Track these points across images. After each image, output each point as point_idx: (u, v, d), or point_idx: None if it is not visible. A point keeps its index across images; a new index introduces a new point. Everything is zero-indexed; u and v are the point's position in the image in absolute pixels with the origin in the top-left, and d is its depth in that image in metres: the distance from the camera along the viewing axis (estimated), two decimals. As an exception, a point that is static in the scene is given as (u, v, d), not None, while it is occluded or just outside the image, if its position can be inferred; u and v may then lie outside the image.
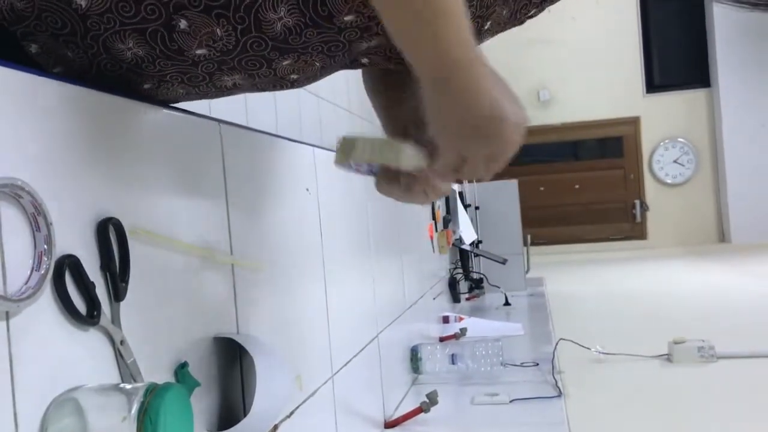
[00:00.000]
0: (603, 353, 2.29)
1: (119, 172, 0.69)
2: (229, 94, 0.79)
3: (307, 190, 1.26)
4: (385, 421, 1.67)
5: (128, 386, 0.58)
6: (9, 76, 0.55)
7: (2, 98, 0.54)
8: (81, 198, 0.63)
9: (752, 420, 1.70)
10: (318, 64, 0.69)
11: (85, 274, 0.61)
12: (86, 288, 0.61)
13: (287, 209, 1.17)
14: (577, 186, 7.15)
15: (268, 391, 0.84)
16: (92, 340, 0.63)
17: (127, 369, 0.66)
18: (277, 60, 0.69)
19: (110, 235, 0.65)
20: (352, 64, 0.76)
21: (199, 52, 0.65)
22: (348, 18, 0.64)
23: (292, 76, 0.71)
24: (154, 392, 0.56)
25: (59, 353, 0.58)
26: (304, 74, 0.71)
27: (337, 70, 0.76)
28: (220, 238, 0.91)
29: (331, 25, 0.64)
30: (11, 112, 0.55)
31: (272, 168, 1.11)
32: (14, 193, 0.53)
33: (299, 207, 1.23)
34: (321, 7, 0.62)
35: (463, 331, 2.50)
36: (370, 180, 0.82)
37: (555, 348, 2.24)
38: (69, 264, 0.59)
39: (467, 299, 3.49)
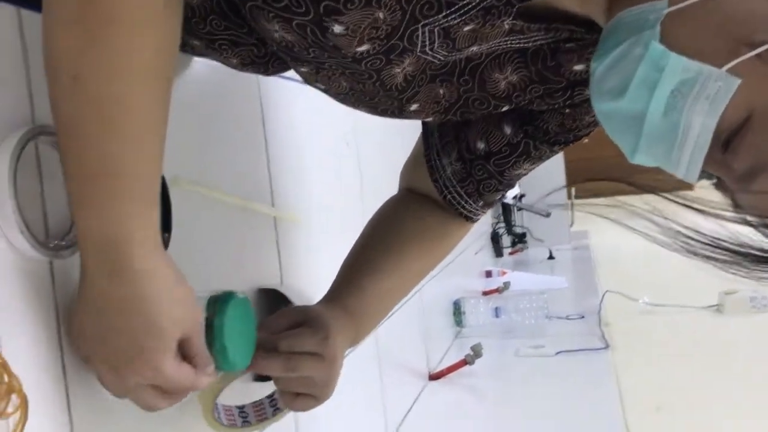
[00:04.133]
0: (650, 305, 2.25)
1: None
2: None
3: (347, 143, 1.25)
4: (429, 373, 1.68)
5: None
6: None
7: (38, 44, 0.53)
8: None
9: (807, 371, 1.66)
10: (345, 83, 0.63)
11: None
12: None
13: (327, 162, 1.15)
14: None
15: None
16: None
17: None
18: (292, 63, 0.64)
19: None
20: (401, 112, 0.68)
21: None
22: (362, 48, 0.55)
23: (318, 85, 0.66)
24: (216, 304, 0.58)
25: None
26: (331, 87, 0.65)
27: (381, 104, 0.67)
28: (261, 191, 0.90)
29: (342, 57, 0.56)
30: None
31: (312, 121, 1.09)
32: (53, 141, 0.53)
33: (339, 160, 1.22)
34: (322, 36, 0.53)
35: (507, 285, 2.48)
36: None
37: (601, 300, 2.21)
38: None
39: (510, 254, 3.46)
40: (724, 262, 0.52)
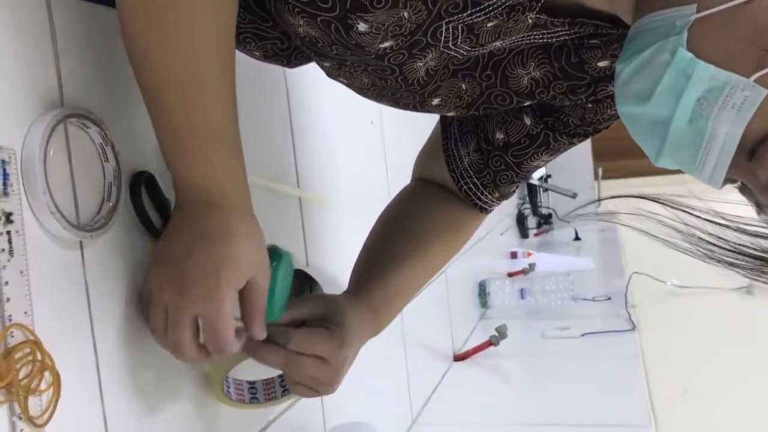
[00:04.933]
0: (678, 286, 2.22)
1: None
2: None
3: (372, 122, 1.25)
4: (454, 354, 1.68)
5: None
6: (73, 6, 0.55)
7: (67, 27, 0.53)
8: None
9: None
10: (366, 80, 0.63)
11: (160, 189, 0.62)
12: (161, 204, 0.62)
13: (352, 143, 1.15)
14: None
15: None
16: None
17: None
18: (316, 58, 0.64)
19: None
20: (423, 106, 0.68)
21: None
22: (385, 44, 0.55)
23: (341, 79, 0.66)
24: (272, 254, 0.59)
25: (135, 271, 0.59)
26: (353, 82, 0.65)
27: (403, 98, 0.67)
28: (287, 171, 0.90)
29: (365, 54, 0.57)
30: (78, 41, 0.55)
31: (336, 101, 1.09)
32: (81, 123, 0.54)
33: (364, 140, 1.21)
34: (345, 35, 0.54)
35: (532, 266, 2.47)
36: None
37: (628, 282, 2.19)
38: (144, 180, 0.60)
39: (536, 235, 3.44)
40: (748, 268, 0.52)
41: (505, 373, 1.65)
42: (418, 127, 1.51)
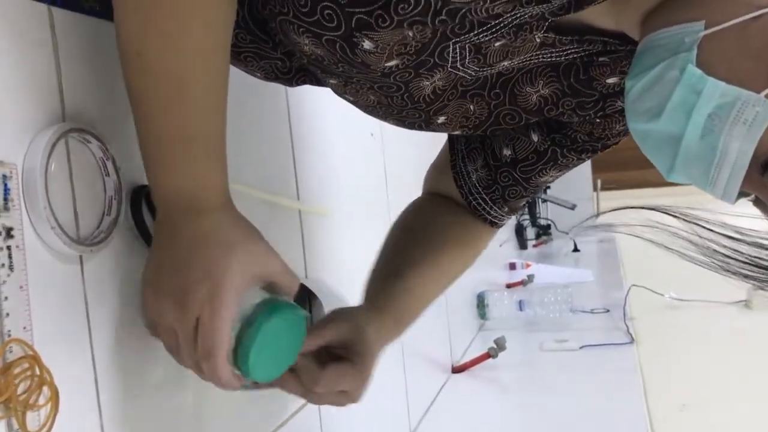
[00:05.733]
0: (677, 299, 2.22)
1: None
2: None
3: (372, 135, 1.25)
4: (452, 365, 1.68)
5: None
6: (76, 21, 0.55)
7: (69, 42, 0.54)
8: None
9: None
10: (372, 97, 0.63)
11: None
12: None
13: (352, 155, 1.15)
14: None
15: (337, 335, 0.85)
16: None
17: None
18: (321, 76, 0.64)
19: None
20: (428, 125, 0.68)
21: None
22: (391, 63, 0.55)
23: (346, 96, 0.66)
24: (267, 307, 0.53)
25: (135, 286, 0.59)
26: (359, 100, 0.65)
27: (408, 117, 0.67)
28: (286, 184, 0.90)
29: (371, 72, 0.57)
30: (81, 56, 0.55)
31: (337, 112, 1.09)
32: (83, 138, 0.54)
33: (364, 152, 1.22)
34: (351, 53, 0.53)
35: (531, 277, 2.47)
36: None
37: (626, 294, 2.19)
38: (145, 194, 0.60)
39: (534, 246, 3.44)
40: (763, 281, 0.51)
41: (504, 385, 1.65)
42: (418, 140, 1.52)
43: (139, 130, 0.52)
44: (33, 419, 0.47)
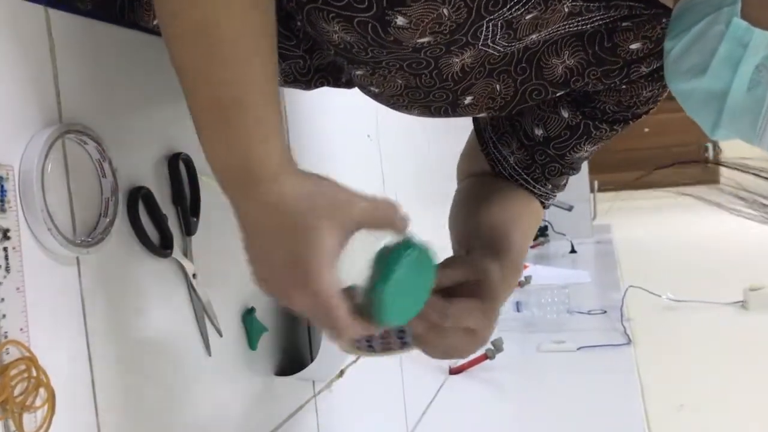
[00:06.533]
0: (674, 300, 2.23)
1: (186, 118, 0.69)
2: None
3: (369, 136, 1.25)
4: (450, 366, 1.68)
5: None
6: (72, 22, 0.55)
7: (65, 43, 0.54)
8: (151, 136, 0.64)
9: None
10: (400, 81, 0.62)
11: (158, 205, 0.62)
12: (158, 220, 0.62)
13: (349, 156, 1.15)
14: (646, 129, 6.88)
15: (334, 337, 0.85)
16: (165, 272, 0.64)
17: (200, 303, 0.67)
18: (347, 67, 0.64)
19: (180, 171, 0.66)
20: (455, 108, 0.67)
21: None
22: (424, 39, 0.54)
23: (371, 88, 0.65)
24: (396, 251, 0.51)
25: (131, 287, 0.59)
26: (385, 90, 0.64)
27: (435, 101, 0.66)
28: (282, 185, 0.90)
29: (402, 49, 0.56)
30: (77, 57, 0.55)
31: (334, 114, 1.09)
32: (79, 139, 0.54)
33: (361, 153, 1.22)
34: (383, 32, 0.53)
35: (528, 279, 2.47)
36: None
37: (624, 295, 2.19)
38: (142, 195, 0.60)
39: (531, 247, 3.43)
40: None
41: (501, 386, 1.65)
42: (414, 141, 1.52)
43: (187, 101, 0.49)
44: (30, 421, 0.47)
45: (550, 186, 0.79)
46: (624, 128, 0.74)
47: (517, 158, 0.77)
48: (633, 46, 0.62)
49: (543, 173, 0.77)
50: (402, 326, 0.62)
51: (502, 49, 0.59)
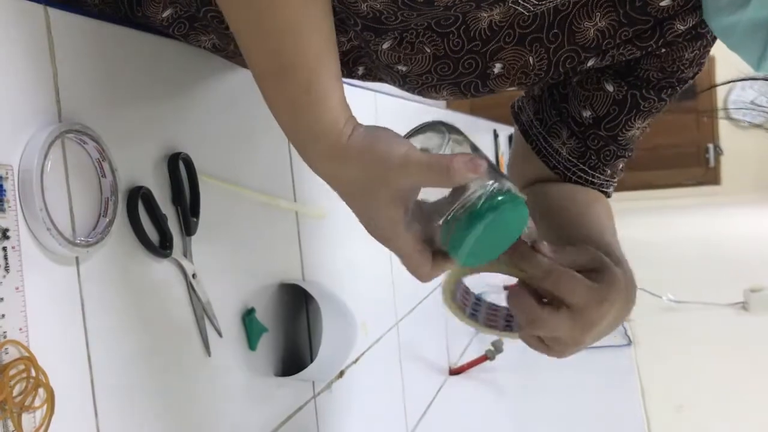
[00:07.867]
0: (675, 301, 2.22)
1: (186, 118, 0.69)
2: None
3: (369, 136, 1.25)
4: (450, 368, 1.68)
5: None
6: (72, 21, 0.55)
7: (65, 42, 0.54)
8: (150, 135, 0.64)
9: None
10: (428, 50, 0.61)
11: (157, 205, 0.62)
12: (158, 220, 0.62)
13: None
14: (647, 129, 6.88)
15: (334, 337, 0.85)
16: (165, 272, 0.64)
17: (199, 303, 0.67)
18: (374, 41, 0.63)
19: (180, 170, 0.66)
20: (485, 81, 0.66)
21: None
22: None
23: (398, 67, 0.64)
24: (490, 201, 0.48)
25: (131, 287, 0.59)
26: (413, 66, 0.63)
27: (464, 76, 0.65)
28: (283, 186, 0.90)
29: (434, 8, 0.55)
30: (77, 57, 0.55)
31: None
32: (79, 138, 0.53)
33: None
34: None
35: (528, 279, 2.46)
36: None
37: (624, 296, 2.19)
38: (142, 195, 0.60)
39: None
40: None
41: (501, 387, 1.65)
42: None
43: (250, 67, 0.50)
44: (28, 421, 0.47)
45: (609, 172, 0.76)
46: (672, 96, 0.72)
47: (570, 148, 0.75)
48: (663, 3, 0.61)
49: (599, 159, 0.75)
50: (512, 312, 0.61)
51: (532, 8, 0.58)
